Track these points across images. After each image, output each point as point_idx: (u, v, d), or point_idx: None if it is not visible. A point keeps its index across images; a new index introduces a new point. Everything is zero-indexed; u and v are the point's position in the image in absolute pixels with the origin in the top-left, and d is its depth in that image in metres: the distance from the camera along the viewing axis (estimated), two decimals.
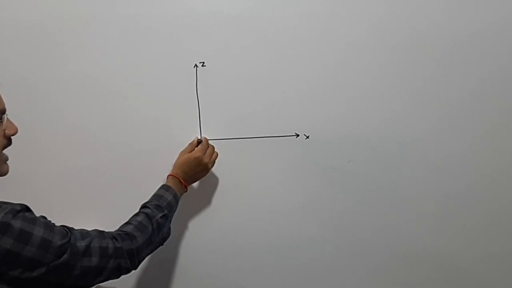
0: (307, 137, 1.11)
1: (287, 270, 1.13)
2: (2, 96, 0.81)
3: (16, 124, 0.82)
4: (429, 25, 1.10)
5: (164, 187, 1.00)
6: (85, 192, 1.13)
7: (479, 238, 1.10)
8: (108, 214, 1.05)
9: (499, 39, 1.09)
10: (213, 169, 1.09)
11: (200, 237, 1.13)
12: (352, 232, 1.12)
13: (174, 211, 0.99)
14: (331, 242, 1.12)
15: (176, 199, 0.99)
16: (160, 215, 0.92)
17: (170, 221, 0.96)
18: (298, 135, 1.12)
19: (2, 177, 0.84)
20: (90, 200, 1.13)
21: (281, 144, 1.11)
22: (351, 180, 1.11)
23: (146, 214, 0.91)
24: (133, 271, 0.85)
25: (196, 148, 1.06)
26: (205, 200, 1.13)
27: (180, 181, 1.01)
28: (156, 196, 0.97)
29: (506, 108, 1.09)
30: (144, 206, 0.95)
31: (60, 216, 1.13)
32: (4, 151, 0.82)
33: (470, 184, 1.10)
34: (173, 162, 1.05)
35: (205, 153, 1.04)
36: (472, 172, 1.10)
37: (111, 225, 0.87)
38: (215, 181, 1.12)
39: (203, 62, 1.12)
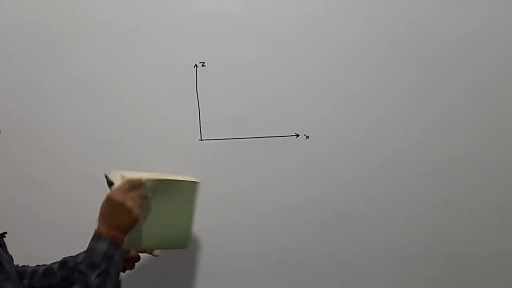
0: (307, 137, 1.11)
1: (287, 270, 1.13)
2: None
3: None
4: (429, 24, 1.09)
5: (94, 237, 0.83)
6: (84, 191, 1.13)
7: (480, 238, 1.10)
8: None
9: (499, 38, 1.09)
10: (213, 170, 1.09)
11: (199, 238, 1.13)
12: (352, 232, 1.11)
13: (119, 259, 0.82)
14: (331, 242, 1.12)
15: (114, 244, 0.81)
16: (96, 274, 0.78)
17: (117, 271, 0.82)
18: (298, 135, 1.12)
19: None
20: (90, 199, 1.13)
21: (281, 144, 1.12)
22: (351, 180, 1.11)
23: (80, 282, 0.78)
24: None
25: (113, 188, 0.88)
26: (204, 200, 1.13)
27: (102, 233, 0.82)
28: (88, 251, 0.81)
29: (506, 108, 1.09)
30: (76, 269, 0.81)
31: (61, 216, 1.14)
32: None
33: (470, 183, 1.09)
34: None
35: (126, 196, 0.84)
36: (472, 172, 1.09)
37: None
38: (214, 181, 1.12)
39: (203, 62, 1.12)
